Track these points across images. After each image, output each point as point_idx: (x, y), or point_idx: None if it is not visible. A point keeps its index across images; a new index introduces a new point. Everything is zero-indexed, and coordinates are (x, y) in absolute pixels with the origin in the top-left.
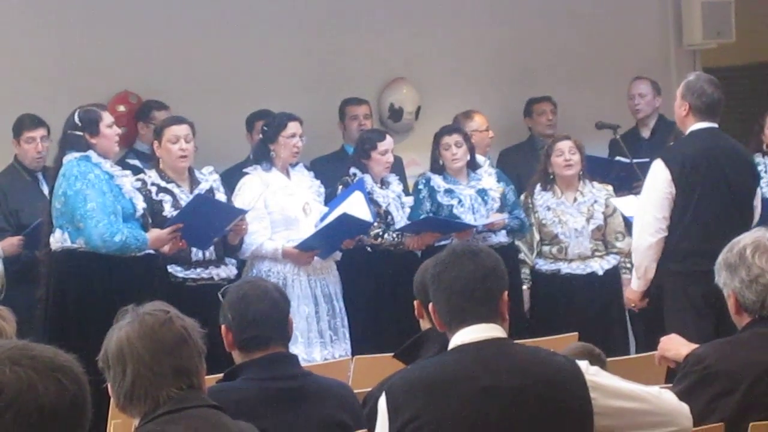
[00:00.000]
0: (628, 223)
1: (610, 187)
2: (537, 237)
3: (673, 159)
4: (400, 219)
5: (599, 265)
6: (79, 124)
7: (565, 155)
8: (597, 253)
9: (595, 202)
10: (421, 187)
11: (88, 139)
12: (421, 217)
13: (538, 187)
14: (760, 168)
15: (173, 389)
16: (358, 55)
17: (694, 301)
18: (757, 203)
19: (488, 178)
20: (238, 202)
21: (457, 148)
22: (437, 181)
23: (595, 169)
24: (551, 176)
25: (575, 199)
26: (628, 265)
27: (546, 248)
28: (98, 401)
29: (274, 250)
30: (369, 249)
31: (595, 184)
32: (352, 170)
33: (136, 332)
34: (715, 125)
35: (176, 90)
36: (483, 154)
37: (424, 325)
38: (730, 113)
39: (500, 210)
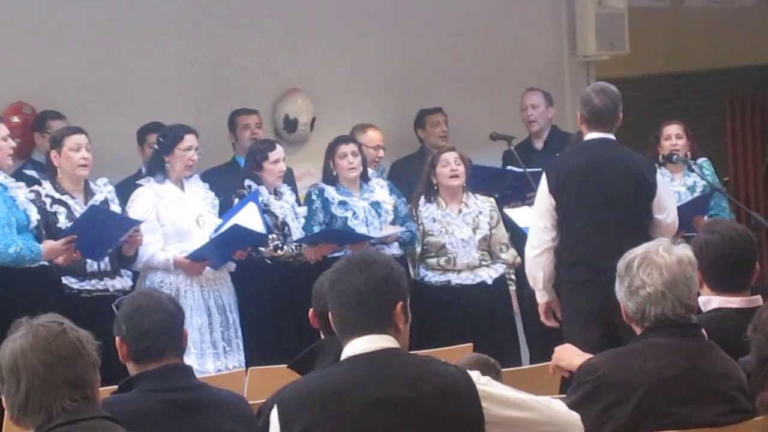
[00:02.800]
0: (523, 234)
1: (492, 199)
2: (419, 249)
3: (551, 170)
4: (296, 230)
5: (488, 275)
6: None
7: (451, 165)
8: (484, 263)
9: (480, 213)
10: (314, 197)
11: None
12: (316, 228)
13: (422, 199)
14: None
15: (67, 401)
16: (252, 66)
17: (577, 310)
18: (661, 215)
19: (381, 190)
20: (132, 213)
21: (353, 157)
22: (331, 192)
23: (487, 180)
24: (435, 187)
25: (460, 210)
26: (513, 277)
27: (433, 260)
28: None
29: (166, 261)
30: (269, 261)
31: (479, 195)
32: (247, 182)
33: (30, 344)
34: (608, 135)
35: (70, 100)
36: (372, 168)
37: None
38: (624, 124)
39: (393, 222)
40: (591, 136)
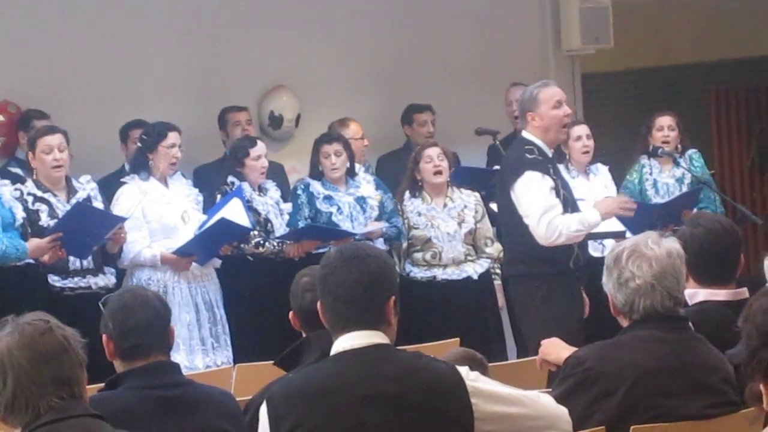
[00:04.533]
0: None
1: (477, 194)
2: (405, 245)
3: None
4: (279, 226)
5: (473, 269)
6: None
7: (434, 161)
8: (469, 258)
9: (465, 207)
10: (299, 192)
11: None
12: (301, 223)
13: (407, 194)
14: (645, 170)
15: (54, 399)
16: (237, 62)
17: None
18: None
19: (367, 185)
20: (117, 211)
21: (336, 157)
22: (316, 187)
23: (472, 179)
24: (419, 183)
25: (445, 205)
26: (498, 271)
27: (418, 255)
28: None
29: (153, 257)
30: (250, 258)
31: (464, 189)
32: (230, 179)
33: (16, 342)
34: (523, 130)
35: (55, 99)
36: (358, 161)
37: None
38: (609, 117)
39: (378, 218)
40: None
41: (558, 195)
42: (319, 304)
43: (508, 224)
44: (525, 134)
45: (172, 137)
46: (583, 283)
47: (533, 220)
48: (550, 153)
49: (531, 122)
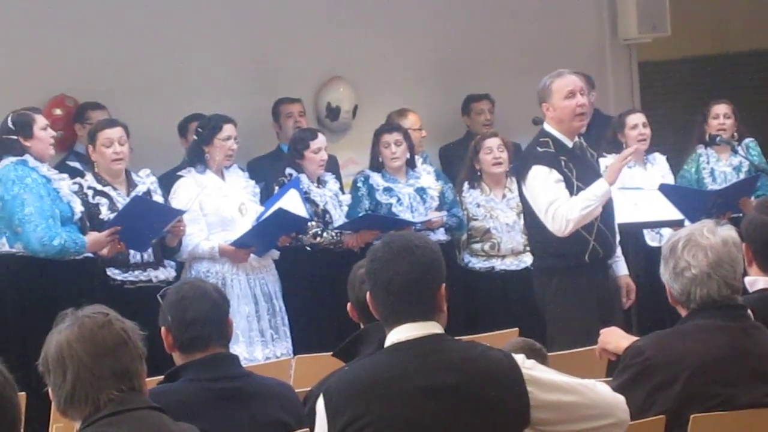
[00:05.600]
0: None
1: None
2: (464, 235)
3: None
4: (338, 218)
5: (532, 259)
6: (13, 128)
7: (494, 153)
8: (528, 248)
9: None
10: (359, 184)
11: (22, 142)
12: (360, 214)
13: (466, 184)
14: (702, 159)
15: (114, 392)
16: (293, 54)
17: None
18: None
19: (427, 176)
20: (174, 204)
21: (396, 147)
22: (376, 179)
23: None
24: (478, 173)
25: (504, 196)
26: None
27: (477, 245)
28: (39, 406)
29: (211, 249)
30: (308, 248)
31: None
32: (288, 170)
33: (76, 335)
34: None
35: (112, 93)
36: (417, 152)
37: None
38: (666, 106)
39: (438, 208)
40: None
41: (569, 187)
42: (369, 297)
43: (526, 218)
44: (545, 126)
45: (228, 129)
46: (629, 273)
47: (542, 214)
48: (570, 143)
49: (546, 113)
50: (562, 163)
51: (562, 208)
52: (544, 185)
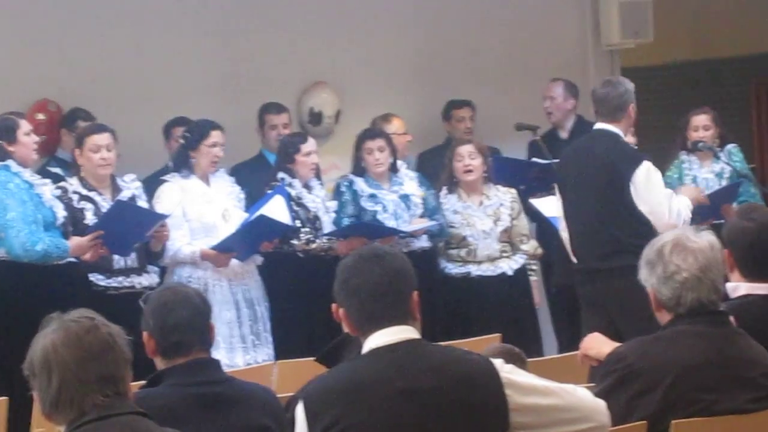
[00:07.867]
0: (549, 224)
1: (513, 191)
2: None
3: (558, 163)
4: (327, 223)
5: (508, 266)
6: None
7: (465, 161)
8: (505, 254)
9: (501, 204)
10: (343, 189)
11: (5, 147)
12: (346, 221)
13: (444, 190)
14: (684, 165)
15: (99, 396)
16: (277, 59)
17: (582, 298)
18: (643, 207)
19: (410, 182)
20: (157, 209)
21: (380, 153)
22: (361, 185)
23: (512, 171)
24: (455, 180)
25: (481, 203)
26: (534, 267)
27: (453, 251)
28: (21, 410)
29: (192, 253)
30: (300, 255)
31: (500, 187)
32: (280, 175)
33: (62, 339)
34: (608, 125)
35: (95, 98)
36: (401, 157)
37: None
38: (649, 112)
39: (422, 215)
40: (595, 126)
41: None
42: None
43: (621, 213)
44: (613, 128)
45: (215, 136)
46: None
47: (664, 207)
48: None
49: (630, 114)
50: None
51: (674, 204)
52: (658, 179)
